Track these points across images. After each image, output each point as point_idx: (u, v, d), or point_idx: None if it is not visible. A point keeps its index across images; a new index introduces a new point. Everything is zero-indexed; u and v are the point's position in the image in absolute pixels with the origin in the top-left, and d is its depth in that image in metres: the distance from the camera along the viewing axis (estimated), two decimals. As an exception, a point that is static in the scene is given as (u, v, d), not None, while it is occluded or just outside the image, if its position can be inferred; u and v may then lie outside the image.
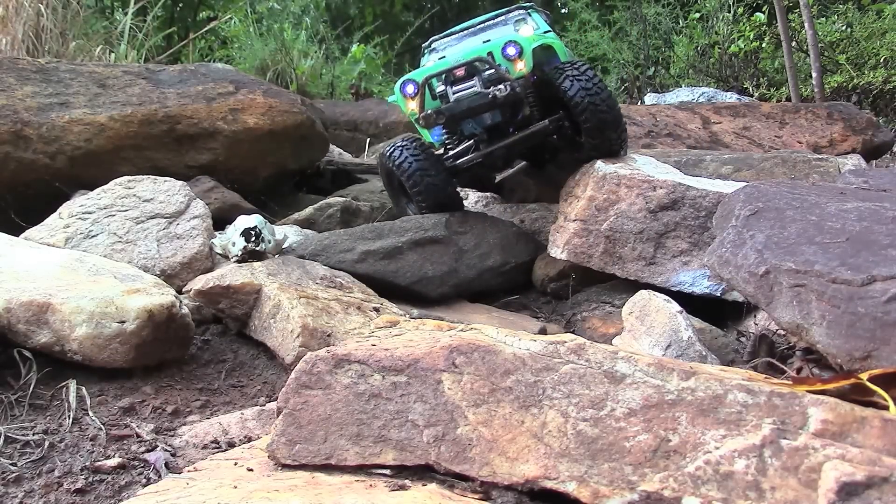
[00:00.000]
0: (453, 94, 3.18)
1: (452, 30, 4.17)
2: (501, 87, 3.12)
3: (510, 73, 3.22)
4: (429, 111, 3.20)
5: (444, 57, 3.82)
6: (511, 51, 3.25)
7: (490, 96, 3.12)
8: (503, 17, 3.98)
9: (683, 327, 2.54)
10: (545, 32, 3.77)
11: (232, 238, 3.09)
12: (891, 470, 1.31)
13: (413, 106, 3.34)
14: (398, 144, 3.49)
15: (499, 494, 1.54)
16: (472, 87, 3.18)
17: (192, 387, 2.44)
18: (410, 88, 3.33)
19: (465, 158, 3.44)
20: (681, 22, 9.94)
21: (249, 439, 2.04)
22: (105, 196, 3.24)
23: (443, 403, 1.67)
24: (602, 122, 3.21)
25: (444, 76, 3.29)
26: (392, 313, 2.80)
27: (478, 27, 4.01)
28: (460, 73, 3.23)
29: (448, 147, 3.54)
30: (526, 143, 3.44)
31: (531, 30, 3.69)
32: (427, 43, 4.34)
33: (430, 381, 1.71)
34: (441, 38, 4.21)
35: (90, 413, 2.16)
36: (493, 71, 3.20)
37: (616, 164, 3.29)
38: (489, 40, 3.69)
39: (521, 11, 3.97)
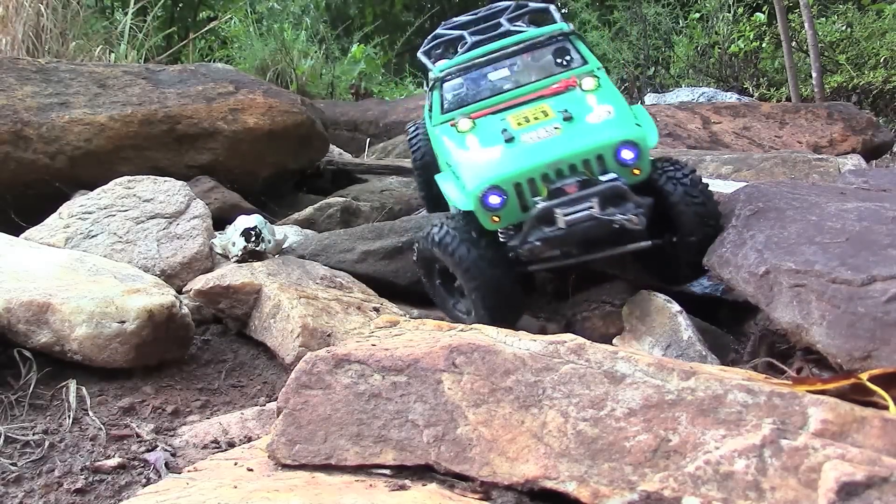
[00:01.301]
0: (564, 217, 2.41)
1: (468, 36, 3.34)
2: (633, 216, 2.38)
3: (626, 186, 2.46)
4: (534, 242, 2.43)
5: (485, 101, 2.96)
6: (628, 155, 2.51)
7: (616, 226, 2.39)
8: (540, 40, 3.12)
9: (683, 327, 2.54)
10: (598, 69, 3.04)
11: (232, 238, 3.09)
12: (891, 470, 1.31)
13: (498, 220, 2.54)
14: (442, 223, 2.67)
15: (499, 494, 1.54)
16: (586, 209, 2.41)
17: (192, 387, 2.44)
18: (496, 200, 2.51)
19: (541, 265, 2.75)
20: (681, 22, 9.94)
21: (249, 439, 2.04)
22: (105, 196, 3.24)
23: (443, 403, 1.67)
24: (707, 237, 2.60)
25: (543, 181, 2.51)
26: (392, 313, 2.80)
27: (510, 50, 3.12)
28: (573, 189, 2.45)
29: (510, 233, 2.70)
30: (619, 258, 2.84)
31: (592, 83, 2.88)
32: (430, 48, 3.51)
33: (430, 381, 1.71)
34: (454, 54, 3.35)
35: (90, 413, 2.16)
36: (613, 185, 2.43)
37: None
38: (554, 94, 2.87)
39: (562, 38, 3.14)
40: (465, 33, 3.44)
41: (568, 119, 2.67)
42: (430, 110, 3.24)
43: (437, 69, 3.19)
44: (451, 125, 2.93)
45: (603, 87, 2.87)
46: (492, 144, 2.70)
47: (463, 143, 2.81)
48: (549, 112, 2.76)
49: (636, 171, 2.53)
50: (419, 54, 3.53)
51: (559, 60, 3.10)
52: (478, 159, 2.67)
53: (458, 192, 2.66)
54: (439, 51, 3.52)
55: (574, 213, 2.41)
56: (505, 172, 2.53)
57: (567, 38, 3.15)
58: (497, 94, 3.00)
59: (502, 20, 3.44)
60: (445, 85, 3.13)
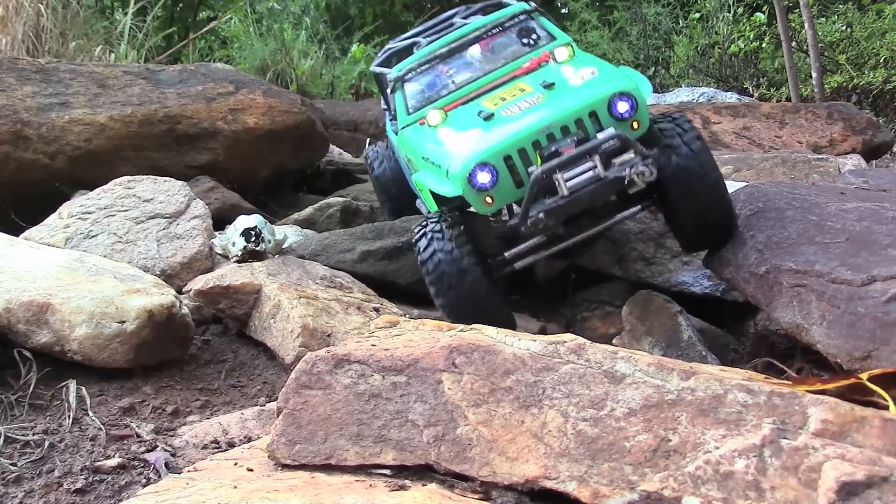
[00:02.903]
0: (565, 181, 2.16)
1: (422, 39, 3.16)
2: (644, 168, 2.13)
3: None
4: (536, 215, 2.16)
5: (459, 92, 2.75)
6: (623, 107, 2.27)
7: (626, 181, 2.14)
8: (501, 23, 2.94)
9: (683, 327, 2.54)
10: (569, 43, 2.78)
11: (232, 238, 3.09)
12: (891, 469, 1.31)
13: (491, 201, 2.26)
14: (425, 225, 2.41)
15: (499, 494, 1.54)
16: (589, 169, 2.17)
17: (192, 387, 2.44)
18: (486, 177, 2.23)
19: (526, 255, 2.48)
20: (681, 22, 9.94)
21: (249, 439, 2.04)
22: (105, 196, 3.24)
23: (443, 403, 1.67)
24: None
25: (549, 173, 2.19)
26: (392, 313, 2.80)
27: (470, 37, 2.94)
28: (569, 150, 2.20)
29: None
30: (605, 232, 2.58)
31: (565, 52, 2.68)
32: (384, 60, 3.33)
33: (430, 381, 1.71)
34: (409, 53, 3.16)
35: (90, 413, 2.16)
36: (614, 140, 2.20)
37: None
38: (522, 70, 2.69)
39: (524, 16, 2.96)
40: (419, 38, 3.27)
41: (549, 87, 2.46)
42: (393, 118, 3.03)
43: (395, 69, 2.99)
44: (420, 124, 2.72)
45: (578, 55, 2.69)
46: (469, 127, 2.46)
47: (435, 136, 2.57)
48: (527, 87, 2.55)
49: (635, 125, 2.29)
50: (373, 67, 3.35)
51: (525, 41, 2.90)
52: (457, 141, 2.43)
53: (441, 180, 2.37)
54: (394, 62, 3.30)
55: (576, 175, 2.16)
56: (491, 146, 2.28)
57: (529, 17, 2.97)
58: (464, 84, 2.78)
59: (456, 20, 3.29)
60: (407, 85, 2.92)
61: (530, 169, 2.24)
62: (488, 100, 2.58)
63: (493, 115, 2.43)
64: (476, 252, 2.34)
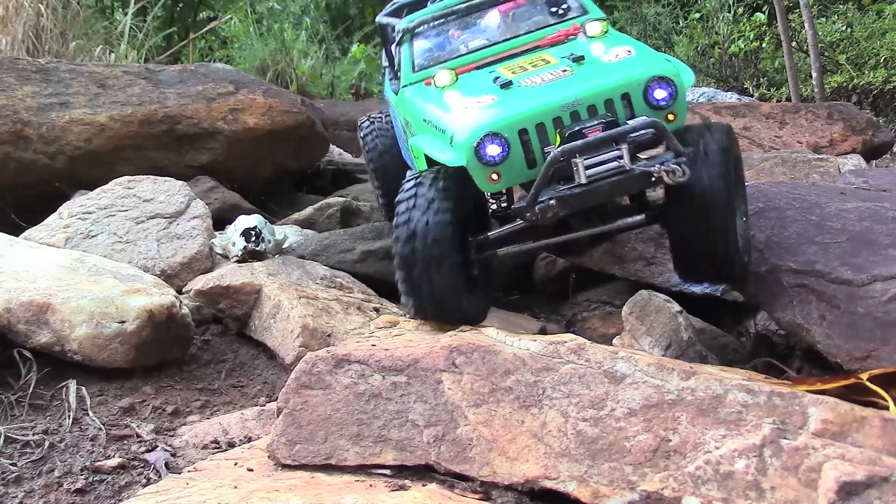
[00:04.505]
0: (585, 168, 1.87)
1: (448, 6, 2.69)
2: (675, 166, 1.83)
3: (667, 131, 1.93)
4: (547, 201, 1.88)
5: (471, 55, 2.47)
6: (661, 94, 1.99)
7: (653, 177, 1.86)
8: None
9: (683, 327, 2.54)
10: (602, 19, 2.47)
11: (232, 238, 3.09)
12: (891, 469, 1.31)
13: (497, 178, 1.99)
14: (412, 186, 2.08)
15: (499, 494, 1.54)
16: (613, 158, 1.88)
17: (192, 387, 2.44)
18: (495, 150, 1.96)
19: (511, 241, 2.16)
20: (681, 22, 9.94)
21: (249, 439, 2.04)
22: (105, 196, 3.24)
23: (443, 403, 1.67)
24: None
25: (569, 154, 1.90)
26: (392, 313, 2.80)
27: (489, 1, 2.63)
28: (594, 132, 1.92)
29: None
30: (608, 237, 2.37)
31: (598, 27, 2.38)
32: (393, 12, 3.01)
33: (430, 381, 1.71)
34: (422, 8, 2.82)
35: (90, 413, 2.16)
36: (648, 129, 1.91)
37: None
38: (555, 41, 2.38)
39: None
40: None
41: (577, 60, 2.16)
42: (395, 73, 2.71)
43: (405, 20, 2.65)
44: (426, 84, 2.42)
45: (611, 33, 2.40)
46: (483, 93, 2.17)
47: (441, 99, 2.27)
48: (551, 59, 2.25)
49: (671, 116, 2.00)
50: (379, 18, 3.00)
51: (554, 9, 2.59)
52: (467, 107, 2.14)
53: (443, 147, 2.10)
54: (404, 15, 2.91)
55: (599, 163, 1.87)
56: (507, 115, 2.00)
57: None
58: (479, 49, 2.49)
59: None
60: (416, 41, 2.60)
61: (547, 149, 1.96)
62: (506, 67, 2.29)
63: (510, 82, 2.15)
64: (459, 226, 2.02)
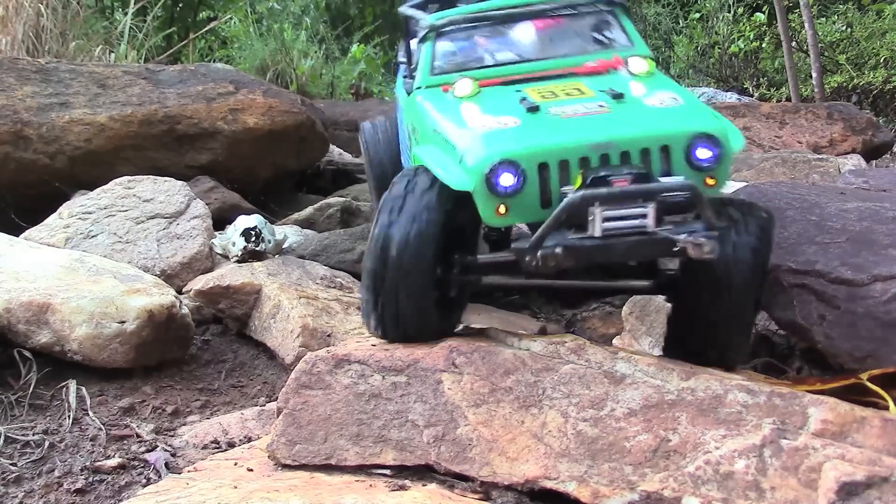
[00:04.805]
0: (603, 220, 1.68)
1: (484, 9, 2.41)
2: (703, 239, 1.62)
3: (703, 197, 1.69)
4: (553, 249, 1.66)
5: (495, 67, 2.26)
6: (704, 154, 1.78)
7: (675, 247, 1.65)
8: (580, 6, 2.39)
9: (683, 327, 2.54)
10: (649, 57, 2.22)
11: (232, 238, 3.09)
12: (891, 470, 1.31)
13: (504, 211, 1.78)
14: (404, 185, 1.90)
15: (499, 494, 1.54)
16: (637, 216, 1.68)
17: (192, 387, 2.44)
18: (508, 180, 1.76)
19: (498, 270, 2.01)
20: (681, 22, 9.95)
21: (249, 439, 2.04)
22: (105, 196, 3.24)
23: (443, 403, 1.67)
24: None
25: (580, 168, 1.76)
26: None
27: (537, 9, 2.38)
28: (621, 183, 1.71)
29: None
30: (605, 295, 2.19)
31: (644, 65, 2.15)
32: (419, 4, 2.75)
33: (430, 381, 1.71)
34: (451, 6, 2.59)
35: (90, 413, 2.16)
36: (684, 192, 1.69)
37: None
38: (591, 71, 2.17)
39: (606, 8, 2.40)
40: None
41: (617, 98, 1.95)
42: (412, 71, 2.51)
43: (434, 16, 2.43)
44: (444, 90, 2.22)
45: (657, 74, 2.18)
46: (505, 113, 1.95)
47: (456, 110, 2.06)
48: (586, 90, 2.04)
49: (710, 181, 1.78)
50: (403, 8, 2.76)
51: (599, 37, 2.35)
52: (486, 125, 1.92)
53: (450, 166, 1.89)
54: (431, 10, 2.67)
55: (619, 217, 1.68)
56: (529, 145, 1.79)
57: (612, 11, 2.40)
58: (510, 63, 2.28)
59: None
60: (440, 40, 2.38)
61: (564, 188, 1.76)
62: (535, 90, 2.06)
63: (538, 107, 1.93)
64: (443, 241, 1.84)
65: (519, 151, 1.77)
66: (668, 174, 1.76)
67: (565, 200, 1.68)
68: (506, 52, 2.32)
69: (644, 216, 1.67)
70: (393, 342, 1.89)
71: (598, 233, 1.67)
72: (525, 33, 2.37)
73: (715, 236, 1.63)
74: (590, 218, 1.67)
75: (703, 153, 1.76)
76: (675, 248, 1.64)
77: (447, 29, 2.37)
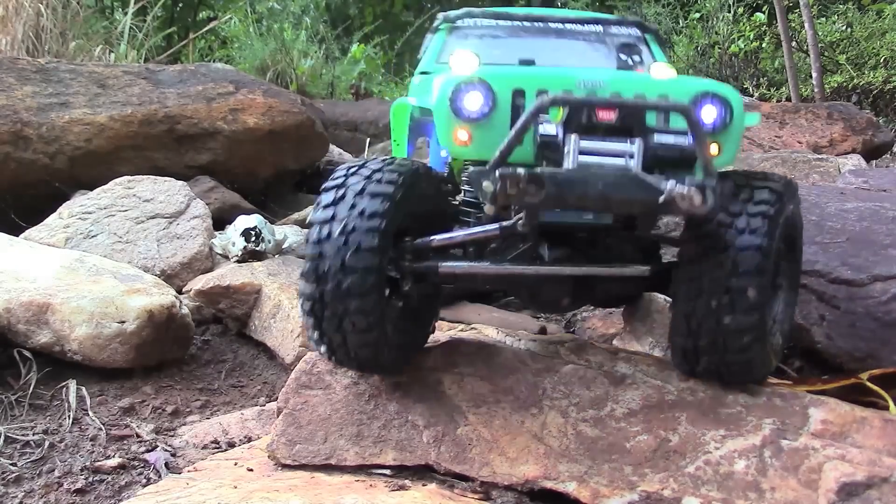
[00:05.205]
0: (578, 153, 1.46)
1: (506, 10, 2.33)
2: (694, 190, 1.38)
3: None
4: (517, 171, 1.37)
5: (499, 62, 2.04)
6: (710, 112, 1.59)
7: (661, 197, 1.39)
8: (608, 23, 2.29)
9: (683, 327, 2.54)
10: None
11: (232, 238, 3.09)
12: (891, 470, 1.31)
13: (467, 138, 1.59)
14: (343, 173, 1.65)
15: (499, 494, 1.54)
16: (620, 153, 1.47)
17: (192, 387, 2.44)
18: (475, 101, 1.57)
19: (458, 247, 1.72)
20: (681, 22, 9.94)
21: (249, 439, 2.04)
22: (105, 196, 3.25)
23: (443, 403, 1.67)
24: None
25: (565, 105, 1.50)
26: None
27: (564, 23, 2.28)
28: (607, 115, 1.48)
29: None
30: (602, 289, 1.82)
31: (665, 69, 1.92)
32: (445, 19, 2.41)
33: (430, 381, 1.71)
34: (480, 16, 2.35)
35: (90, 413, 2.16)
36: (676, 139, 1.50)
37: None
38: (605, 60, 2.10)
39: (636, 30, 2.28)
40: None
41: (624, 69, 1.87)
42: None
43: (452, 12, 2.35)
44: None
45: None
46: (497, 62, 1.87)
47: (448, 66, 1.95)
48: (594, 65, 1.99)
49: (716, 147, 1.58)
50: (444, 14, 2.50)
51: (624, 57, 2.18)
52: (473, 65, 1.76)
53: (427, 94, 1.77)
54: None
55: (599, 152, 1.46)
56: (507, 71, 1.65)
57: (643, 36, 2.28)
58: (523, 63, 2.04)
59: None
60: (454, 33, 2.26)
61: (543, 118, 1.51)
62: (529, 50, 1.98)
63: (532, 61, 1.81)
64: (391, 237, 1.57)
65: (492, 73, 1.61)
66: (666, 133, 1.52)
67: (533, 103, 1.46)
68: (524, 56, 2.05)
69: (630, 155, 1.45)
70: (349, 368, 1.73)
71: (570, 164, 1.45)
72: (541, 43, 2.25)
73: (712, 188, 1.38)
74: (565, 149, 1.47)
75: (709, 111, 1.58)
76: (661, 201, 1.39)
77: (461, 23, 2.29)
